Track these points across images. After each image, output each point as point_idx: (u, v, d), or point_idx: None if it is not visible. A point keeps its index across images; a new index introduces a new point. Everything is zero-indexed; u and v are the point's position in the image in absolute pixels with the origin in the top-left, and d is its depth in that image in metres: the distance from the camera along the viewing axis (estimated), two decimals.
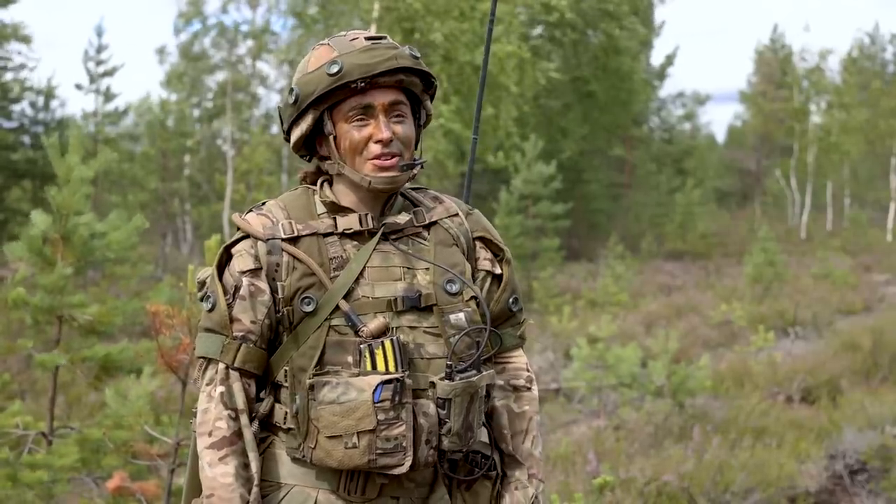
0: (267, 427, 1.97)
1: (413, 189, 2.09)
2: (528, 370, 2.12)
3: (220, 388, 1.90)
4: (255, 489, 1.87)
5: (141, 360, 4.58)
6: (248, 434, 1.90)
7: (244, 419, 1.90)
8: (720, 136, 55.40)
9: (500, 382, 2.07)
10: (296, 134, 1.96)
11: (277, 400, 1.94)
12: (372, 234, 1.96)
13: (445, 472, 1.96)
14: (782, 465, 6.29)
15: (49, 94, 23.49)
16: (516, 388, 2.09)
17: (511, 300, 2.07)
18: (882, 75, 42.05)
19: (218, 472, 1.86)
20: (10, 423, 4.63)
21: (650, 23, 34.40)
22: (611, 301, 16.88)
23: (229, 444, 1.88)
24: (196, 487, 2.00)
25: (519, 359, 2.11)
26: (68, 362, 4.45)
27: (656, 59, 58.78)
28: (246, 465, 1.88)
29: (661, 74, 38.83)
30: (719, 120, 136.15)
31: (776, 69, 41.30)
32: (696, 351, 11.41)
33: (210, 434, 1.88)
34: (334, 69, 1.87)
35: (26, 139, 23.23)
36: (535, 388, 2.11)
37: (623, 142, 36.29)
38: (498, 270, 2.07)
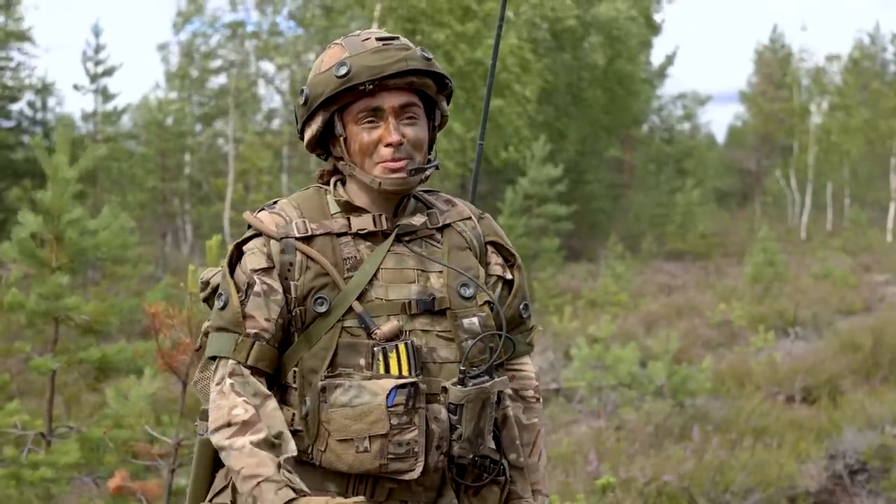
0: None
1: (425, 191, 2.06)
2: (535, 380, 2.10)
3: (230, 381, 1.82)
4: (287, 454, 1.77)
5: (139, 360, 4.56)
6: (279, 414, 1.81)
7: (271, 402, 1.82)
8: (720, 136, 55.34)
9: (510, 391, 2.04)
10: (308, 134, 1.95)
11: (284, 402, 1.89)
12: (386, 235, 1.93)
13: (453, 476, 1.93)
14: (782, 465, 6.28)
15: (45, 91, 23.47)
16: (525, 399, 2.07)
17: (522, 306, 2.05)
18: (882, 75, 41.99)
19: (246, 447, 1.73)
20: (9, 422, 4.62)
21: (651, 23, 34.38)
22: (611, 301, 16.86)
23: (251, 425, 1.77)
24: (200, 494, 1.96)
25: (527, 367, 2.10)
26: (65, 364, 4.43)
27: (656, 59, 58.70)
28: (270, 443, 1.76)
29: (661, 74, 38.81)
30: (719, 120, 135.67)
31: (776, 69, 41.29)
32: (696, 351, 11.39)
33: (229, 424, 1.77)
34: (342, 71, 1.85)
35: (26, 139, 23.25)
36: (540, 400, 2.10)
37: (623, 142, 36.28)
38: (509, 276, 2.04)
